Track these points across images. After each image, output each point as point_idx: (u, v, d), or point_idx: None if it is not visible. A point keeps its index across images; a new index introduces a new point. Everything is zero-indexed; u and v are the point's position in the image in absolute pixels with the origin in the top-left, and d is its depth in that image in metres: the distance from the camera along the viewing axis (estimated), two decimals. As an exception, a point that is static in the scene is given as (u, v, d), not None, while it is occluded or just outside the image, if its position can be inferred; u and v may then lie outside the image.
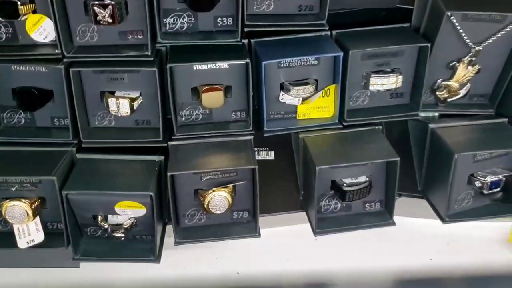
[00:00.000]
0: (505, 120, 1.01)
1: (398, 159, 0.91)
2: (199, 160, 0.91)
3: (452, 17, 0.91)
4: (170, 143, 0.95)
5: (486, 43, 0.94)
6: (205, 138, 0.96)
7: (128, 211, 0.88)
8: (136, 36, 0.89)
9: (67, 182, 0.87)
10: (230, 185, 0.91)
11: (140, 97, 0.93)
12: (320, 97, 0.95)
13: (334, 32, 0.97)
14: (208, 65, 0.89)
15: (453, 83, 0.99)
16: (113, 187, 0.87)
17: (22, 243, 0.89)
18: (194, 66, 0.89)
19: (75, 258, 0.91)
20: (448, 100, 1.01)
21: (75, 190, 0.86)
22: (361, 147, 0.94)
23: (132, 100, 0.91)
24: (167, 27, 0.90)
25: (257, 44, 0.95)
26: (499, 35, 0.93)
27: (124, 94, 0.92)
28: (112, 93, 0.92)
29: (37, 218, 0.89)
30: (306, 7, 0.94)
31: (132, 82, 0.92)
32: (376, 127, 0.99)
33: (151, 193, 0.85)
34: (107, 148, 0.96)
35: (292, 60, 0.91)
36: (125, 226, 0.90)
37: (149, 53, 0.87)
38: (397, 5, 0.97)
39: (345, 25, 0.99)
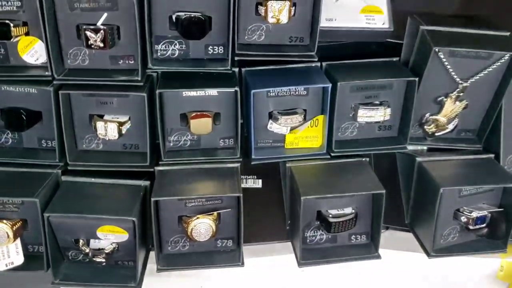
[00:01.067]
0: (492, 156, 1.00)
1: (384, 191, 0.91)
2: (185, 186, 0.91)
3: (439, 53, 0.92)
4: (157, 168, 0.95)
5: (473, 79, 0.95)
6: (192, 164, 0.95)
7: (110, 236, 0.87)
8: (127, 61, 0.90)
9: (50, 205, 0.87)
10: (215, 213, 0.90)
11: (129, 122, 0.93)
12: (308, 127, 0.96)
13: (324, 63, 0.97)
14: (198, 92, 0.90)
15: (441, 118, 1.00)
16: (95, 211, 0.86)
17: (0, 266, 0.87)
18: (183, 92, 0.90)
19: (54, 283, 0.89)
20: (436, 134, 1.02)
21: (57, 213, 0.85)
22: (347, 178, 0.94)
23: (121, 124, 0.91)
24: (159, 54, 0.91)
25: (247, 73, 0.96)
26: (486, 71, 0.94)
27: (112, 118, 0.92)
28: (101, 117, 0.92)
29: (18, 240, 0.87)
30: (297, 39, 0.94)
31: (121, 106, 0.92)
32: (363, 159, 0.99)
33: (133, 218, 0.84)
34: (93, 171, 0.95)
35: (281, 89, 0.92)
36: (107, 251, 0.89)
37: (139, 78, 0.88)
38: (387, 40, 0.98)
39: (336, 58, 0.98)
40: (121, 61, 0.90)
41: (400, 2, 0.97)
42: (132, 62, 0.89)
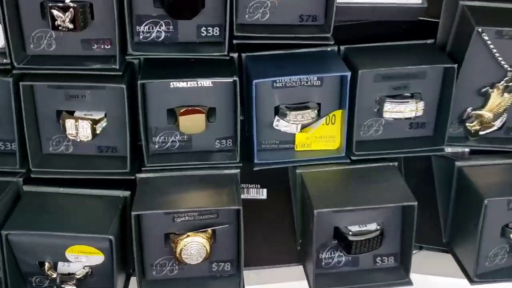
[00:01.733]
0: (548, 160, 1.00)
1: (416, 203, 0.91)
2: (172, 197, 0.91)
3: (483, 34, 0.92)
4: (139, 175, 0.96)
5: (526, 66, 0.94)
6: (182, 171, 0.96)
7: (82, 258, 0.88)
8: (102, 46, 0.90)
9: (8, 221, 0.87)
10: (209, 230, 0.90)
11: (105, 119, 0.94)
12: (323, 124, 0.96)
13: (342, 47, 0.98)
14: (188, 83, 0.90)
15: (486, 113, 1.00)
16: (64, 227, 0.87)
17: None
18: (171, 83, 0.90)
19: (14, 315, 0.89)
20: (480, 133, 1.02)
21: (17, 230, 0.86)
22: (371, 187, 0.94)
23: (95, 122, 0.92)
24: (141, 36, 0.91)
25: (249, 59, 0.97)
26: (540, 57, 0.94)
27: (85, 114, 0.93)
28: (71, 113, 0.93)
29: (-29, 264, 0.88)
30: (309, 17, 0.94)
31: (95, 100, 0.93)
32: (391, 164, 0.99)
33: (110, 237, 0.85)
34: (61, 180, 0.96)
35: (290, 79, 0.92)
36: (78, 276, 0.90)
37: (117, 67, 0.88)
38: (420, 18, 0.97)
39: (357, 40, 0.99)
40: (95, 45, 0.90)
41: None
42: (109, 46, 0.90)
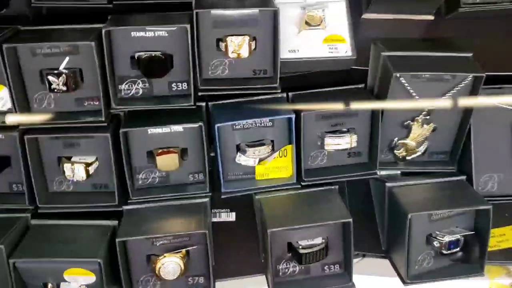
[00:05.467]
0: (464, 178, 1.03)
1: (351, 220, 0.96)
2: (152, 224, 0.96)
3: (401, 78, 0.96)
4: (125, 207, 1.01)
5: (439, 102, 0.98)
6: (161, 202, 1.00)
7: (78, 278, 0.90)
8: (92, 103, 0.96)
9: (16, 250, 0.90)
10: (183, 250, 0.93)
11: (96, 162, 0.99)
12: (277, 157, 1.00)
13: (290, 94, 1.03)
14: (163, 129, 0.96)
15: (410, 142, 1.05)
16: (62, 253, 0.92)
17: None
18: (148, 130, 0.96)
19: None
20: (407, 158, 1.07)
21: (23, 258, 0.90)
22: (317, 207, 0.98)
23: (88, 165, 0.97)
24: (123, 93, 0.96)
25: (214, 107, 1.02)
26: (451, 93, 0.99)
27: (80, 159, 0.98)
28: (69, 158, 0.98)
29: (-13, 288, 0.91)
30: (260, 71, 0.98)
31: (88, 147, 0.98)
32: (332, 187, 1.03)
33: (99, 260, 0.88)
34: (64, 214, 0.99)
35: (247, 122, 0.97)
36: (77, 294, 0.93)
37: (103, 119, 0.92)
38: (352, 67, 1.00)
39: (302, 87, 1.04)
40: (86, 102, 0.96)
41: (365, 29, 1.03)
42: (97, 103, 0.95)
